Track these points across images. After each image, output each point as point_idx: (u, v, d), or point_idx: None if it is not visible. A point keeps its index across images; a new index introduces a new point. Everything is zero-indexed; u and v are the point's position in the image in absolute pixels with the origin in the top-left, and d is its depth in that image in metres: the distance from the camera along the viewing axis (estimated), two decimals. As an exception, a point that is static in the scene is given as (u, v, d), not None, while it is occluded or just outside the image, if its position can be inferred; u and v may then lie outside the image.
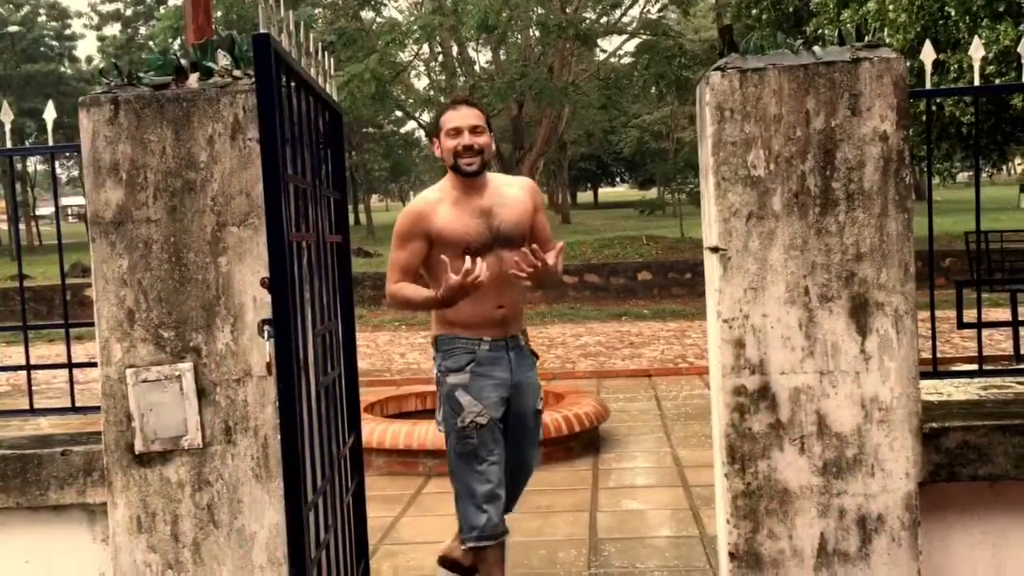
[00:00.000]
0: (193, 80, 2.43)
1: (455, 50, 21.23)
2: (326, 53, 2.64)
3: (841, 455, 2.50)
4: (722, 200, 2.51)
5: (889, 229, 2.48)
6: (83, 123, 2.42)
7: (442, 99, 21.00)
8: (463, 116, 3.24)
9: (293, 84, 2.12)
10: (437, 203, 3.25)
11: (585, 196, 57.57)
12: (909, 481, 2.49)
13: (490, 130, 3.31)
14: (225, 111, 2.40)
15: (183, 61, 2.44)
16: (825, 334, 2.49)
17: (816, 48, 2.53)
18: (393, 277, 3.27)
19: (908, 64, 2.57)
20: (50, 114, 2.79)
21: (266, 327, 2.20)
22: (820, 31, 11.74)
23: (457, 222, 3.21)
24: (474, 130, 3.21)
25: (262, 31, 1.84)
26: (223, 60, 2.47)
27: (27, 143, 34.62)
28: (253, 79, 2.40)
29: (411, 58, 21.17)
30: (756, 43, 2.57)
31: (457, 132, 3.21)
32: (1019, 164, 30.93)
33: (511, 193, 3.36)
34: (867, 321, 2.49)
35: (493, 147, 3.32)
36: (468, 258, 2.99)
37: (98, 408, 2.66)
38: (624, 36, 23.37)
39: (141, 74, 2.46)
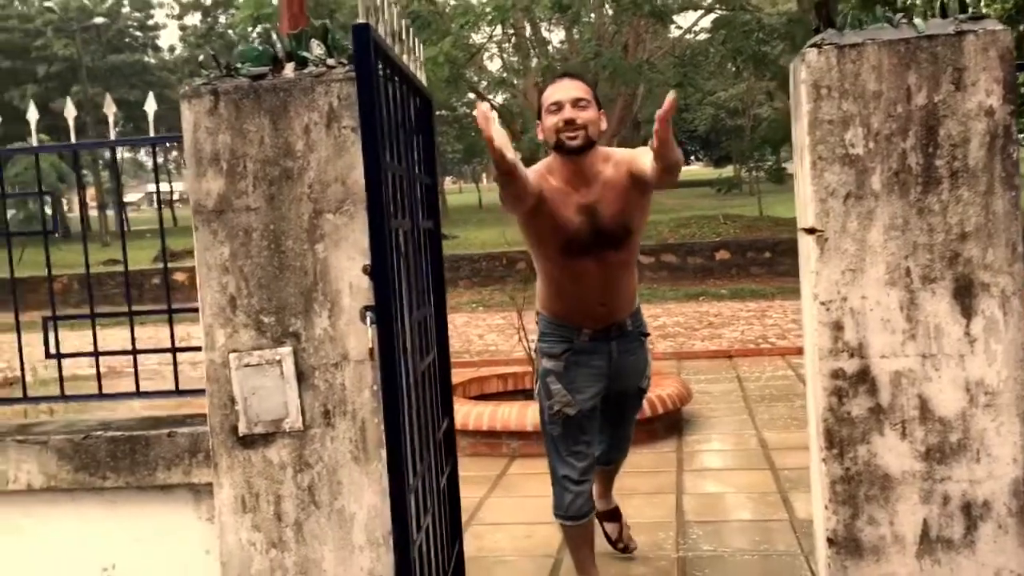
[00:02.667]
0: (289, 70, 2.47)
1: (528, 30, 21.15)
2: (417, 40, 2.66)
3: (945, 440, 2.44)
4: (819, 180, 2.46)
5: (995, 207, 2.40)
6: (184, 115, 2.48)
7: (515, 81, 21.02)
8: (565, 89, 3.00)
9: (388, 71, 2.14)
10: (550, 183, 3.04)
11: (659, 175, 56.88)
12: (1016, 467, 2.42)
13: (599, 105, 3.06)
14: (320, 100, 2.43)
15: (279, 50, 2.48)
16: (927, 316, 2.43)
17: (917, 21, 2.45)
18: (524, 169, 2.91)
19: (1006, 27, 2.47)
20: (150, 106, 2.87)
21: (368, 313, 2.24)
22: (911, 2, 11.37)
23: (558, 217, 3.04)
24: (577, 103, 2.97)
25: (361, 21, 1.86)
26: (317, 49, 2.50)
27: (113, 132, 35.58)
28: (347, 68, 2.43)
29: (485, 40, 21.16)
30: (854, 17, 2.51)
31: (559, 107, 2.97)
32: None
33: (611, 177, 3.07)
34: (972, 303, 2.42)
35: (603, 124, 3.07)
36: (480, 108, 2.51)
37: (197, 391, 2.75)
38: (700, 11, 22.99)
39: (238, 65, 2.51)
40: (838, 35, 2.46)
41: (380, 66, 2.00)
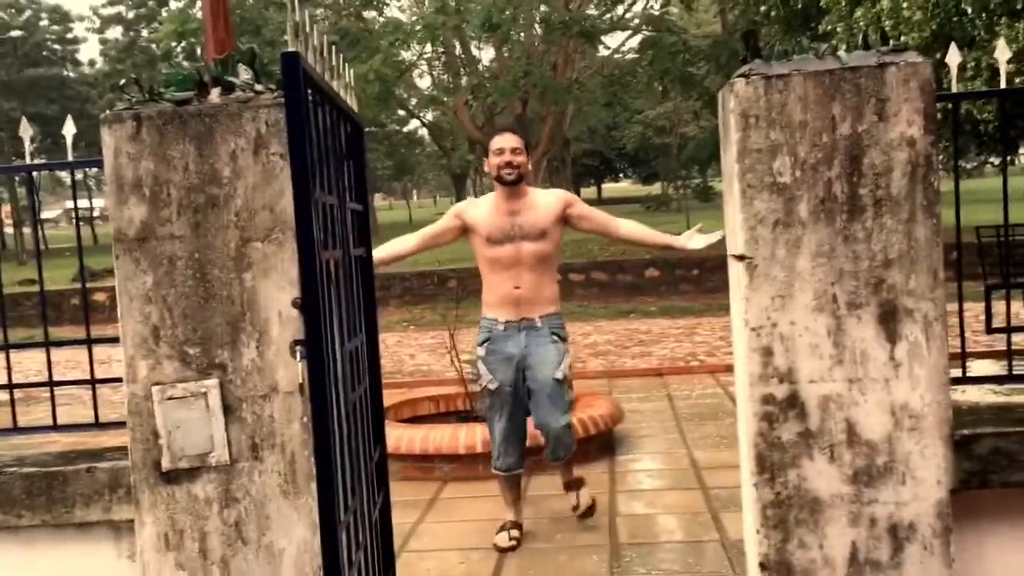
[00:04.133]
0: (215, 95, 2.41)
1: (458, 49, 21.20)
2: (347, 65, 2.63)
3: (872, 463, 2.48)
4: (748, 208, 2.49)
5: (917, 235, 2.46)
6: (105, 140, 2.40)
7: (446, 99, 21.04)
8: (506, 140, 4.28)
9: (318, 99, 2.10)
10: (477, 205, 4.43)
11: (588, 192, 57.50)
12: (940, 488, 2.47)
13: (528, 152, 4.31)
14: (247, 126, 2.38)
15: (205, 76, 2.42)
16: (854, 341, 2.47)
17: (841, 53, 2.51)
18: (420, 231, 4.46)
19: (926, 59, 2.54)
20: (69, 130, 2.78)
21: (298, 348, 2.19)
22: (832, 28, 11.67)
23: (485, 219, 4.27)
24: (514, 151, 4.23)
25: (291, 50, 1.82)
26: (244, 74, 2.45)
27: (30, 148, 34.32)
28: (275, 93, 2.39)
29: (415, 57, 21.13)
30: (780, 48, 2.55)
31: (501, 152, 4.23)
32: (1025, 154, 30.82)
33: (542, 201, 4.31)
34: (896, 328, 2.47)
35: (530, 165, 4.32)
36: None
37: (121, 424, 2.66)
38: (627, 32, 23.34)
39: (162, 89, 2.44)
40: (765, 65, 2.50)
41: (310, 94, 1.96)
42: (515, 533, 4.38)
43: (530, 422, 4.42)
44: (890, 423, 2.47)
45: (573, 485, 4.63)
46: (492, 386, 4.31)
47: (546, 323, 4.28)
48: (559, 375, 4.25)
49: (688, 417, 6.95)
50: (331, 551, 1.91)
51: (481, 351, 4.35)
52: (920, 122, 2.44)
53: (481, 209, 4.32)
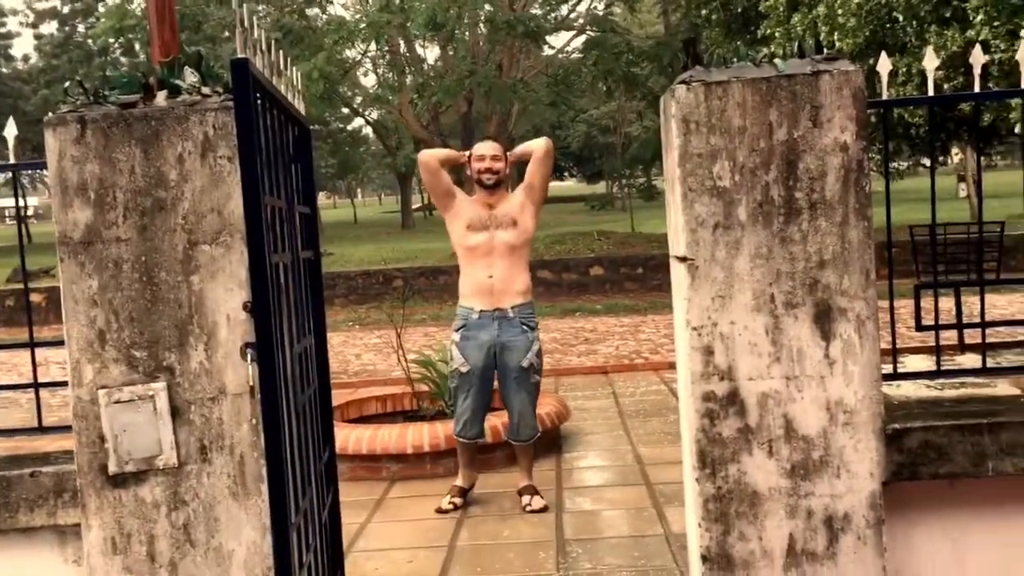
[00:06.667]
0: (161, 98, 2.41)
1: (403, 47, 21.14)
2: (295, 68, 2.64)
3: (808, 457, 2.57)
4: (689, 211, 2.56)
5: (850, 237, 2.55)
6: (49, 143, 2.38)
7: (391, 97, 20.96)
8: (487, 147, 4.86)
9: (267, 104, 2.12)
10: (465, 195, 4.94)
11: (534, 191, 57.66)
12: (873, 481, 2.57)
13: (506, 160, 4.85)
14: (195, 129, 2.38)
15: (150, 78, 2.42)
16: (791, 340, 2.56)
17: (778, 61, 2.59)
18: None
19: (858, 66, 2.64)
20: (11, 131, 2.75)
21: (249, 350, 2.20)
22: (770, 32, 11.93)
23: (467, 207, 4.81)
24: (494, 158, 4.79)
25: (240, 56, 1.84)
26: (191, 77, 2.45)
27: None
28: (222, 97, 2.39)
29: (359, 56, 21.02)
30: (720, 55, 2.63)
31: (482, 158, 4.78)
32: (956, 155, 31.78)
33: (514, 198, 4.84)
34: (830, 327, 2.56)
35: (507, 170, 4.86)
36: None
37: (63, 428, 2.63)
38: (572, 32, 23.49)
39: (107, 92, 2.43)
40: (705, 72, 2.57)
41: (259, 99, 1.98)
42: (457, 500, 4.90)
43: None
44: (825, 418, 2.56)
45: (528, 491, 4.88)
46: (464, 369, 4.79)
47: (517, 313, 4.74)
48: (525, 363, 4.77)
49: (633, 414, 7.05)
50: (283, 553, 1.93)
51: (456, 336, 4.81)
52: (852, 128, 2.54)
53: (465, 201, 4.87)
